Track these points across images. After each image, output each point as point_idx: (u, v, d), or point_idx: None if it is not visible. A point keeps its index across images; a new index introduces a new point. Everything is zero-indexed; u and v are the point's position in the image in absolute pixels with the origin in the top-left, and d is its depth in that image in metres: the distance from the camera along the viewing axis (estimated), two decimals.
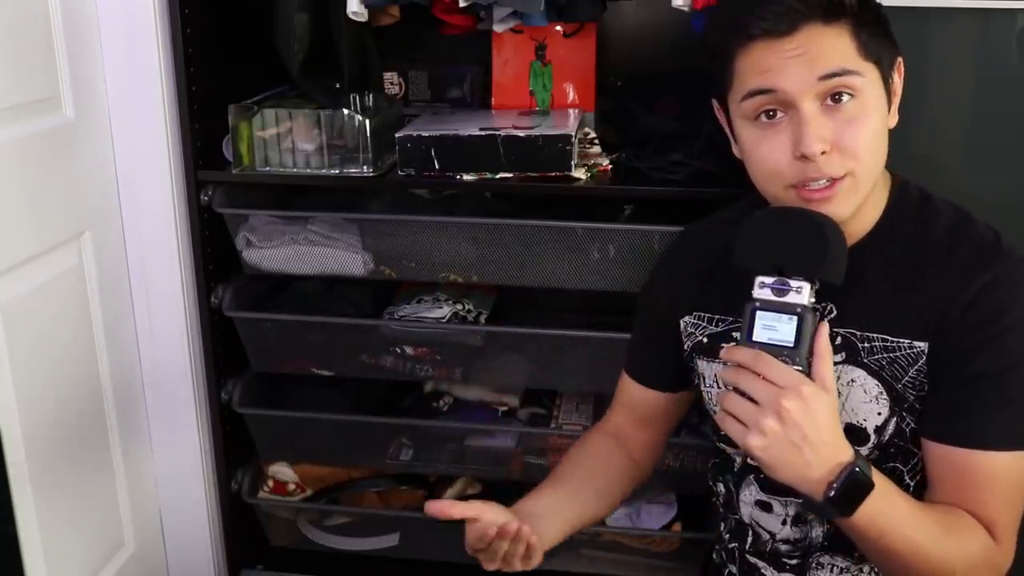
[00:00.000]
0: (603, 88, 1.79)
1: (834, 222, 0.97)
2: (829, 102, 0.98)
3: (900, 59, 1.04)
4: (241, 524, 1.84)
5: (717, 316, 1.16)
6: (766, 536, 1.17)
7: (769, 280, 0.96)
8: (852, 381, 1.06)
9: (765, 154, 1.01)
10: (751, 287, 0.97)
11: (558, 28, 1.74)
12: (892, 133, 1.04)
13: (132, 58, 1.52)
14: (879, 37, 0.99)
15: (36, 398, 1.42)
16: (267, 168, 1.57)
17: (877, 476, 0.96)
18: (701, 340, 1.18)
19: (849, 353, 1.06)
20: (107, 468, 1.63)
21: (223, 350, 1.71)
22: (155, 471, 1.75)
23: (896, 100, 1.04)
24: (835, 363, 1.04)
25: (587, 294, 1.60)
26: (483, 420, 1.81)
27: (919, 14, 1.39)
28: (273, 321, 1.70)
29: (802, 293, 0.95)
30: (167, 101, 1.54)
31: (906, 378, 1.03)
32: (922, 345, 1.02)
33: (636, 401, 1.28)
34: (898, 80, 1.04)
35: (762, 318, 0.96)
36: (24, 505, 1.38)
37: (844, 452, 0.94)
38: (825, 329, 0.95)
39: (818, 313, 0.96)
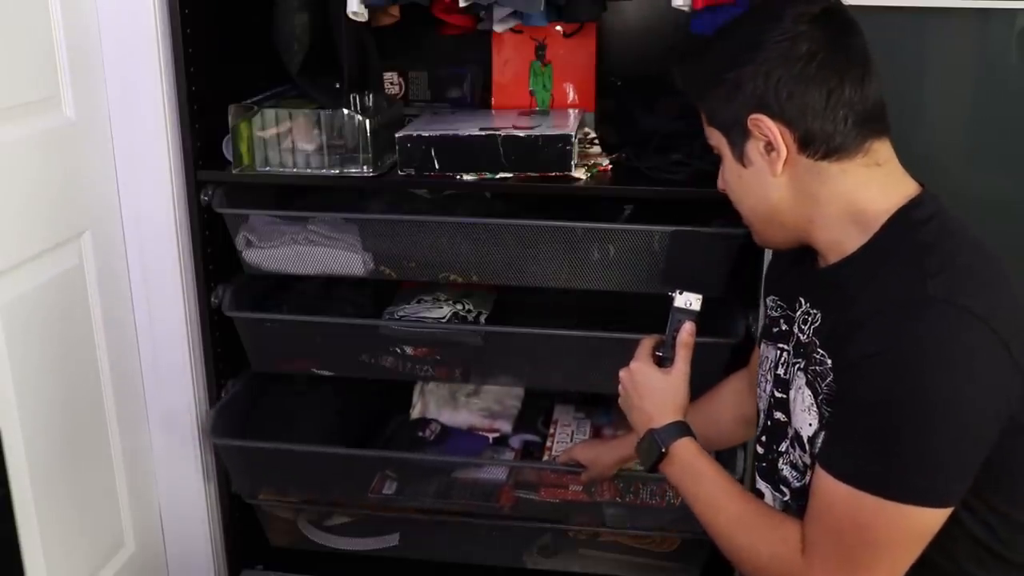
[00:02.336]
0: (603, 88, 1.79)
1: (690, 245, 1.33)
2: None
3: (755, 115, 1.03)
4: (241, 524, 1.84)
5: (779, 302, 1.20)
6: None
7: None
8: (800, 388, 1.08)
9: None
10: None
11: (558, 28, 1.74)
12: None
13: (132, 58, 1.52)
14: (722, 107, 1.09)
15: (36, 398, 1.42)
16: (267, 168, 1.57)
17: (690, 453, 1.15)
18: (764, 322, 1.24)
19: (807, 361, 1.07)
20: (107, 468, 1.63)
21: (223, 350, 1.71)
22: (155, 471, 1.76)
23: (772, 152, 1.04)
24: (796, 368, 1.10)
25: (587, 294, 1.60)
26: (472, 448, 1.77)
27: (919, 14, 1.39)
28: (273, 321, 1.70)
29: (673, 298, 1.24)
30: (167, 101, 1.54)
31: (822, 394, 1.04)
32: (830, 362, 1.03)
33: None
34: (758, 134, 1.04)
35: (669, 316, 1.25)
36: (24, 505, 1.38)
37: (656, 420, 1.18)
38: (689, 327, 1.21)
39: (690, 314, 1.22)
